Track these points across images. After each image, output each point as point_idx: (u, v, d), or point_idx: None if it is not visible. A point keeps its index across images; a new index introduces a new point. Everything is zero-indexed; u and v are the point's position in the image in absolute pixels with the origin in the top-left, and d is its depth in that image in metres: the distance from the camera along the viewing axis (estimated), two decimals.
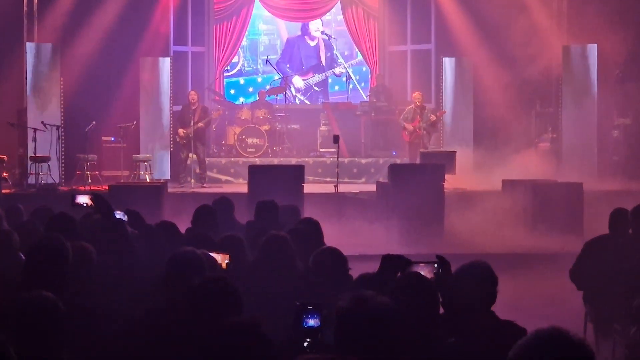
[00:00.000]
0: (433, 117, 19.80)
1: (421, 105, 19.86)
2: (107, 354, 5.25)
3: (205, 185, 19.54)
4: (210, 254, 6.55)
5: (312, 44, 24.47)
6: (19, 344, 4.08)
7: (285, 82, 23.19)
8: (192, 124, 19.23)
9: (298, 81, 24.29)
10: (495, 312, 5.44)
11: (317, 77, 24.40)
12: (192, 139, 19.27)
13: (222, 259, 6.65)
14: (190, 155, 19.60)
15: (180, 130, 19.48)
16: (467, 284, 5.42)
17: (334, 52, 24.26)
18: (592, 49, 20.50)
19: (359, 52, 24.47)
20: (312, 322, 4.73)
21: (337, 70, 24.12)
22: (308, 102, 24.33)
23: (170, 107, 20.78)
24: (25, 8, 20.91)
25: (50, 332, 4.59)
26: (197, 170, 19.79)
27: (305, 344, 4.69)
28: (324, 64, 24.44)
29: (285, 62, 24.28)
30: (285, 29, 24.56)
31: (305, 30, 24.49)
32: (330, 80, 24.55)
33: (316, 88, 24.47)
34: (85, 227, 8.24)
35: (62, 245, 6.05)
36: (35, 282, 5.54)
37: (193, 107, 19.55)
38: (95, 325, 5.41)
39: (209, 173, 20.28)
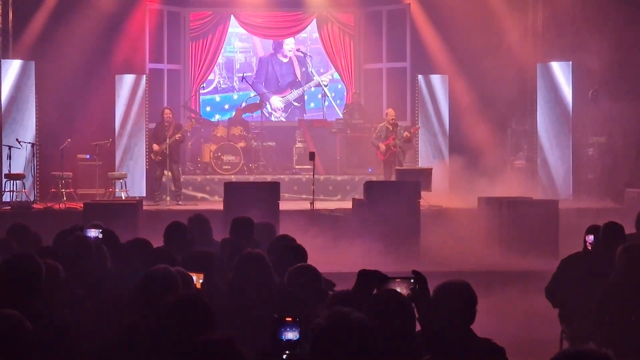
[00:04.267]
0: (407, 134, 19.77)
1: (394, 123, 19.80)
2: None
3: (180, 202, 19.47)
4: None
5: (285, 60, 24.46)
6: None
7: (262, 99, 23.18)
8: (167, 140, 19.12)
9: (276, 101, 24.27)
10: (473, 330, 5.40)
11: (295, 93, 24.38)
12: (167, 156, 19.17)
13: (196, 278, 6.59)
14: (165, 172, 19.52)
15: (155, 146, 19.33)
16: (447, 303, 5.34)
17: (310, 69, 24.24)
18: (567, 67, 20.57)
19: (333, 68, 24.50)
20: (290, 335, 4.70)
21: (316, 79, 23.99)
22: (284, 119, 24.32)
23: (146, 124, 20.70)
24: None
25: (17, 351, 4.52)
26: (173, 188, 19.70)
27: (284, 357, 4.66)
28: (299, 79, 24.44)
29: (261, 81, 24.25)
30: (262, 46, 24.55)
31: (277, 48, 24.49)
32: (306, 97, 24.54)
33: (295, 104, 24.46)
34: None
35: (36, 263, 5.98)
36: (7, 300, 5.48)
37: (167, 125, 19.44)
38: (66, 344, 5.36)
39: (184, 190, 20.21)
